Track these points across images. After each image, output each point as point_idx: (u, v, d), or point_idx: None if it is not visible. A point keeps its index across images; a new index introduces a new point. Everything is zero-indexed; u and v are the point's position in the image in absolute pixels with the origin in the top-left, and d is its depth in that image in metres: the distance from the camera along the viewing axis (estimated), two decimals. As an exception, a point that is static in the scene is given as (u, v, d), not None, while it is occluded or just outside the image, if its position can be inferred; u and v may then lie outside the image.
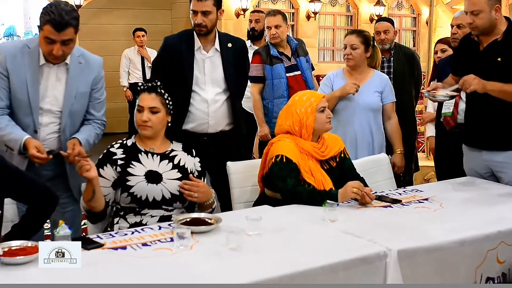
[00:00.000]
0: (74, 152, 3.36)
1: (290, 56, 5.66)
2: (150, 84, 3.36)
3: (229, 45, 4.37)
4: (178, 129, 4.22)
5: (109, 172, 3.28)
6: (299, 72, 5.63)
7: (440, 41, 5.59)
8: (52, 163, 3.57)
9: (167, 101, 3.38)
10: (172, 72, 4.26)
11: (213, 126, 4.31)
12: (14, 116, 3.55)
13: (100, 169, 3.27)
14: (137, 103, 3.35)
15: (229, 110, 4.37)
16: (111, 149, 3.34)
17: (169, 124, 3.43)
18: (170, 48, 4.37)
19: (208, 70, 4.31)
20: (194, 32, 4.31)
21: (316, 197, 3.46)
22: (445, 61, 5.01)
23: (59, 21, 3.34)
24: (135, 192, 3.25)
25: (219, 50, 4.33)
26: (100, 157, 3.33)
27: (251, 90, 5.73)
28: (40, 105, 3.54)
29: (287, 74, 5.57)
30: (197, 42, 4.30)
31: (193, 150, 3.49)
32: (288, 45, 5.70)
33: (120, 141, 3.39)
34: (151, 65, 9.83)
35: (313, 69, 5.91)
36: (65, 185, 3.67)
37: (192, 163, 3.43)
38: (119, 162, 3.29)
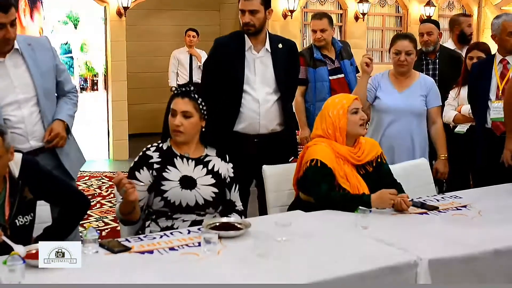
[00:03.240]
0: (51, 136, 3.62)
1: (334, 59, 5.62)
2: (183, 89, 3.31)
3: (280, 45, 4.37)
4: (229, 130, 4.24)
5: (146, 176, 3.23)
6: (342, 75, 5.58)
7: (477, 47, 5.37)
8: (45, 157, 3.63)
9: (200, 106, 3.30)
10: (223, 73, 4.29)
11: (265, 126, 4.30)
12: None
13: (137, 172, 3.24)
14: (170, 107, 3.31)
15: (280, 111, 4.37)
16: (147, 152, 3.29)
17: (203, 129, 3.36)
18: (220, 49, 4.39)
19: (258, 70, 4.31)
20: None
21: (349, 202, 3.41)
22: (478, 65, 4.87)
23: (3, 3, 3.44)
24: (168, 197, 3.21)
25: (269, 50, 4.33)
26: (136, 159, 3.29)
27: None
28: (15, 98, 3.60)
29: (331, 77, 5.53)
30: (248, 42, 4.31)
31: (227, 156, 3.45)
32: (332, 47, 5.66)
33: (156, 144, 3.34)
34: (200, 64, 9.88)
35: (357, 71, 5.84)
36: (66, 176, 3.69)
37: (225, 168, 3.40)
38: (155, 166, 3.25)
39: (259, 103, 4.27)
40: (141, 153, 3.31)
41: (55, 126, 3.67)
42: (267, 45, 4.33)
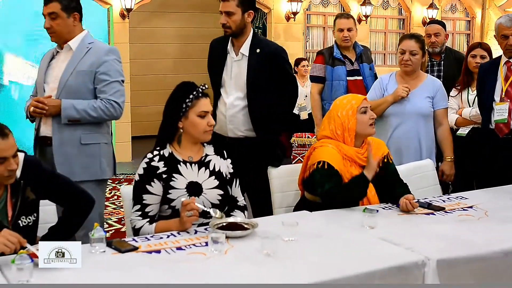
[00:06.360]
0: (38, 99, 3.81)
1: (353, 61, 5.69)
2: (201, 89, 3.26)
3: (257, 50, 4.23)
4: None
5: (158, 188, 3.17)
6: (360, 78, 5.65)
7: (481, 46, 5.34)
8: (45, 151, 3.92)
9: None
10: (211, 73, 4.37)
11: (232, 130, 4.25)
12: None
13: (148, 186, 3.16)
14: (196, 109, 3.21)
15: (250, 117, 4.21)
16: (153, 164, 3.19)
17: None
18: (211, 50, 4.44)
19: (234, 73, 4.27)
20: None
21: (349, 188, 3.49)
22: (486, 67, 4.85)
23: None
24: (176, 206, 3.17)
25: (246, 54, 4.23)
26: (142, 172, 3.19)
27: (310, 90, 5.84)
28: (47, 87, 3.92)
29: (348, 78, 5.59)
30: (230, 45, 4.29)
31: (224, 152, 3.43)
32: (353, 49, 5.72)
33: (157, 153, 3.24)
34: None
35: (376, 78, 5.84)
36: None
37: (225, 165, 3.38)
38: (163, 176, 3.19)
39: (226, 107, 4.24)
40: (145, 165, 3.20)
41: (48, 99, 3.83)
42: (244, 49, 4.23)
